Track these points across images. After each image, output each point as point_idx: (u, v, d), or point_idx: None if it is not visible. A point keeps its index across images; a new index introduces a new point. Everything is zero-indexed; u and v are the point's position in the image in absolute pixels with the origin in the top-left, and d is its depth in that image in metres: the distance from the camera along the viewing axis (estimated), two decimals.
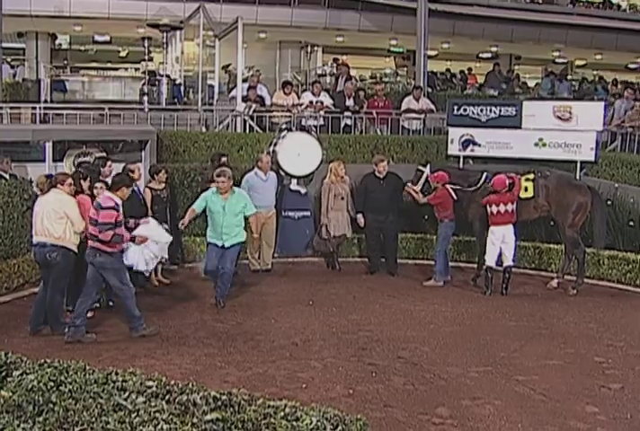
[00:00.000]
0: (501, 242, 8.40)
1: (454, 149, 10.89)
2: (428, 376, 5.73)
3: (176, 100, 15.34)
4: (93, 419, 2.62)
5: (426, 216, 9.95)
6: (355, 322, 7.19)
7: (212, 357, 6.05)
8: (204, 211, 7.77)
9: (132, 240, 6.61)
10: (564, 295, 8.47)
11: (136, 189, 7.86)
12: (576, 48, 22.02)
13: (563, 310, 7.85)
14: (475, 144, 10.72)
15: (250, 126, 12.05)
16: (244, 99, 12.31)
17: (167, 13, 17.14)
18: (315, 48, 21.68)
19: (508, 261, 8.45)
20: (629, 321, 7.49)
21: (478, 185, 8.97)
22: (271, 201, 9.27)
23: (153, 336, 6.57)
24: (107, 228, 6.30)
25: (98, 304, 7.13)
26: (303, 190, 9.96)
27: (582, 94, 17.73)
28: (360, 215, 9.35)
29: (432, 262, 9.11)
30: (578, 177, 10.04)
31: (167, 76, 15.34)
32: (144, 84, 14.55)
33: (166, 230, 7.41)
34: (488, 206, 8.44)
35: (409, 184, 9.12)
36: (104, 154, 9.29)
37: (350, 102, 12.68)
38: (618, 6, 22.84)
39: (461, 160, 10.84)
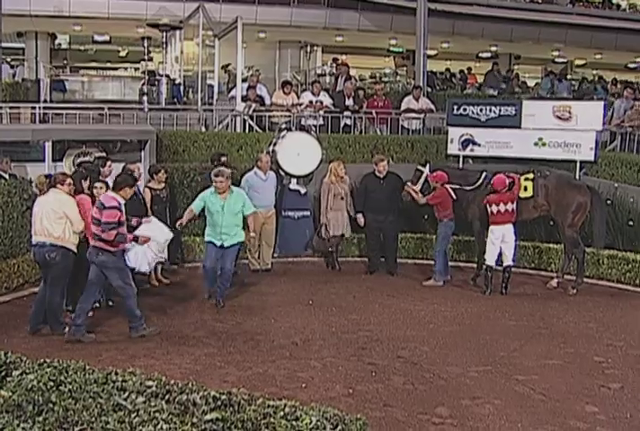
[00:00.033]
0: (501, 242, 8.40)
1: (454, 149, 10.91)
2: (428, 376, 5.73)
3: (176, 99, 15.32)
4: (93, 419, 2.62)
5: (426, 216, 9.96)
6: (355, 322, 7.19)
7: (212, 357, 6.06)
8: (203, 211, 7.76)
9: (135, 240, 6.61)
10: (564, 295, 8.47)
11: (135, 188, 7.85)
12: (576, 48, 22.04)
13: (562, 309, 7.85)
14: (474, 143, 10.73)
15: (249, 125, 12.05)
16: (244, 98, 12.31)
17: (167, 12, 17.15)
18: (315, 48, 21.69)
19: (508, 261, 8.45)
20: (629, 321, 7.50)
21: (477, 184, 8.98)
22: (271, 201, 9.27)
23: (153, 336, 6.58)
24: (110, 227, 6.31)
25: (98, 304, 7.13)
26: (303, 190, 9.97)
27: (581, 94, 17.71)
28: (360, 215, 9.35)
29: (432, 262, 9.11)
30: (578, 177, 10.05)
31: (167, 76, 15.33)
32: (143, 84, 14.55)
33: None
34: (488, 206, 8.44)
35: (408, 184, 9.12)
36: (104, 154, 9.29)
37: (349, 102, 12.68)
38: (618, 6, 22.85)
39: (461, 159, 10.86)
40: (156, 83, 14.78)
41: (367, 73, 22.88)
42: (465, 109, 10.81)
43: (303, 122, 11.70)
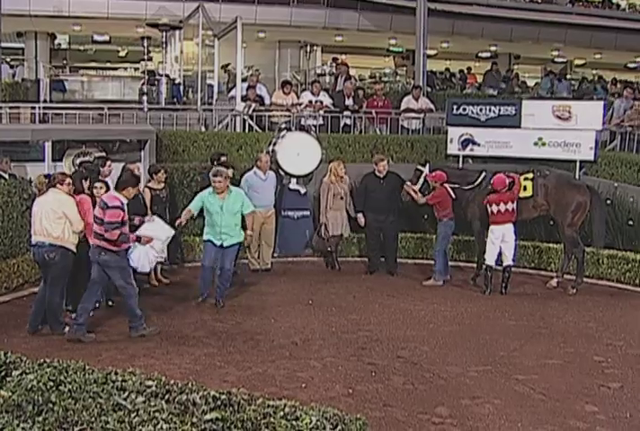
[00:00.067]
0: (501, 242, 8.39)
1: (453, 148, 10.91)
2: (427, 376, 5.73)
3: (175, 99, 15.32)
4: (93, 419, 2.62)
5: (425, 216, 9.96)
6: (355, 322, 7.19)
7: (212, 357, 6.05)
8: (202, 211, 7.74)
9: (138, 240, 6.61)
10: (564, 295, 8.47)
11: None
12: (575, 48, 22.05)
13: (562, 309, 7.85)
14: (474, 143, 10.74)
15: (249, 125, 12.05)
16: (244, 98, 12.31)
17: (166, 12, 17.14)
18: (315, 48, 21.68)
19: (508, 261, 8.45)
20: (628, 321, 7.50)
21: (476, 183, 8.97)
22: (271, 201, 9.26)
23: (152, 336, 6.58)
24: (114, 227, 6.32)
25: (97, 304, 7.12)
26: (302, 190, 9.97)
27: (581, 94, 17.72)
28: (360, 215, 9.35)
29: (432, 262, 9.11)
30: (577, 176, 10.05)
31: (166, 76, 15.32)
32: (143, 84, 14.53)
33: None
34: (488, 206, 8.43)
35: (407, 183, 9.12)
36: (104, 154, 9.29)
37: (349, 102, 12.68)
38: (618, 5, 22.85)
39: (460, 159, 10.86)
40: (156, 82, 14.78)
41: (366, 72, 22.88)
42: (464, 109, 10.81)
43: (303, 122, 11.71)
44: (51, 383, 2.90)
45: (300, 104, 12.34)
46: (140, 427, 2.56)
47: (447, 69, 22.45)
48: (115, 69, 21.43)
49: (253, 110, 12.11)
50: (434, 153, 11.52)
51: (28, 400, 2.73)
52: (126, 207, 6.56)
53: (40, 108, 12.04)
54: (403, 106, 12.86)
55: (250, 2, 18.19)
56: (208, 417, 2.66)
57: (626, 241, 9.31)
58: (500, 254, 8.45)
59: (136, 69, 20.50)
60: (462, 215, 9.04)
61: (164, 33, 15.60)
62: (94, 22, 18.80)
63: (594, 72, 25.01)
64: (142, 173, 8.58)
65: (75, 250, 6.63)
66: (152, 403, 2.78)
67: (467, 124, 10.75)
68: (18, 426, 2.54)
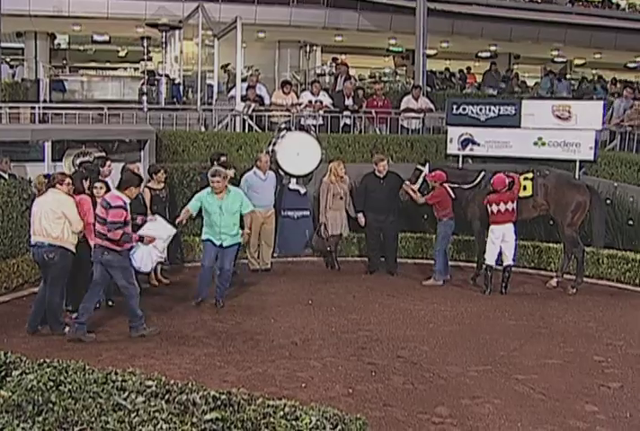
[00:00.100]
0: (501, 241, 8.39)
1: (453, 148, 10.92)
2: (427, 375, 5.73)
3: (175, 99, 15.32)
4: (93, 419, 2.62)
5: (425, 215, 9.96)
6: (354, 322, 7.19)
7: (212, 357, 6.05)
8: (200, 211, 7.72)
9: (140, 240, 6.61)
10: (564, 294, 8.47)
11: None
12: (575, 47, 22.05)
13: (562, 309, 7.85)
14: (474, 143, 10.75)
15: (249, 125, 12.05)
16: (244, 98, 12.31)
17: (166, 12, 17.14)
18: (314, 48, 21.68)
19: (508, 260, 8.45)
20: (628, 320, 7.50)
21: (475, 183, 8.97)
22: (270, 201, 9.26)
23: (153, 336, 6.58)
24: (116, 227, 6.33)
25: (98, 304, 7.12)
26: (302, 190, 9.97)
27: (581, 93, 17.73)
28: (360, 215, 9.35)
29: (432, 261, 9.11)
30: (577, 176, 10.06)
31: (166, 76, 15.33)
32: (143, 84, 14.54)
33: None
34: (488, 206, 8.43)
35: (406, 183, 9.11)
36: (103, 154, 9.29)
37: (349, 102, 12.68)
38: (617, 5, 22.85)
39: (460, 159, 10.87)
40: (156, 82, 14.78)
41: (366, 72, 22.87)
42: (464, 109, 10.81)
43: (302, 122, 11.69)
44: (51, 383, 2.90)
45: (300, 104, 12.34)
46: (140, 427, 2.56)
47: (446, 69, 22.46)
48: (115, 69, 21.43)
49: (253, 110, 12.11)
50: (434, 152, 11.53)
51: (28, 400, 2.73)
52: (129, 207, 6.56)
53: (39, 108, 12.04)
54: (402, 106, 12.86)
55: (250, 2, 18.19)
56: (208, 417, 2.65)
57: (625, 241, 9.31)
58: (500, 254, 8.45)
59: (135, 69, 20.50)
60: (462, 214, 9.04)
61: (164, 33, 15.59)
62: (94, 22, 18.80)
63: (594, 72, 25.02)
64: (142, 173, 8.56)
65: (74, 251, 6.63)
66: (152, 403, 2.77)
67: (467, 124, 10.75)
68: (18, 426, 2.54)
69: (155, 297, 7.85)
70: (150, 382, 2.99)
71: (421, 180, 9.09)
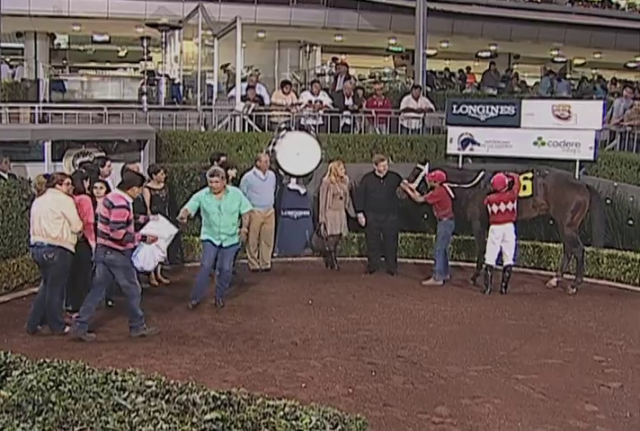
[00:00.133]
0: (501, 241, 8.39)
1: (453, 148, 10.92)
2: (427, 375, 5.73)
3: (175, 99, 15.32)
4: (93, 419, 2.62)
5: (425, 215, 9.96)
6: (354, 321, 7.19)
7: (212, 357, 6.05)
8: (198, 211, 7.71)
9: (143, 239, 6.61)
10: (564, 294, 8.47)
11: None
12: (575, 47, 22.04)
13: (562, 309, 7.85)
14: (474, 143, 10.75)
15: (249, 125, 12.05)
16: (243, 98, 12.31)
17: (166, 12, 17.14)
18: (314, 48, 21.68)
19: (508, 260, 8.45)
20: (628, 320, 7.50)
21: (474, 182, 8.96)
22: (270, 201, 9.26)
23: (153, 336, 6.58)
24: (119, 227, 6.33)
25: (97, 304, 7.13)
26: (302, 190, 9.97)
27: (581, 93, 17.74)
28: (361, 215, 9.35)
29: (432, 261, 9.11)
30: (577, 176, 10.06)
31: (166, 76, 15.33)
32: (143, 84, 14.54)
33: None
34: (488, 206, 8.43)
35: (404, 181, 9.11)
36: (103, 154, 9.30)
37: (349, 102, 12.68)
38: (617, 5, 22.85)
39: (460, 159, 10.87)
40: (156, 82, 14.78)
41: (366, 72, 22.87)
42: (464, 109, 10.82)
43: (302, 122, 11.69)
44: (51, 383, 2.90)
45: (300, 104, 12.34)
46: (140, 427, 2.56)
47: (446, 69, 22.45)
48: (115, 69, 21.43)
49: (253, 110, 12.11)
50: (434, 152, 11.53)
51: (28, 400, 2.73)
52: (131, 207, 6.57)
53: (39, 108, 12.04)
54: (402, 106, 12.86)
55: (249, 2, 18.19)
56: (208, 417, 2.65)
57: (625, 241, 9.31)
58: (500, 254, 8.45)
59: (135, 69, 20.50)
60: (462, 214, 9.04)
61: (164, 33, 15.60)
62: (94, 22, 18.79)
63: (594, 71, 25.01)
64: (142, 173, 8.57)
65: (73, 251, 6.62)
66: (152, 403, 2.77)
67: (467, 123, 10.76)
68: (18, 426, 2.54)
69: (155, 297, 7.84)
70: (150, 382, 2.99)
71: (419, 179, 9.08)
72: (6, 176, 8.79)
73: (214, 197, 7.54)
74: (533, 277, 9.25)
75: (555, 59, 24.33)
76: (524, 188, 8.72)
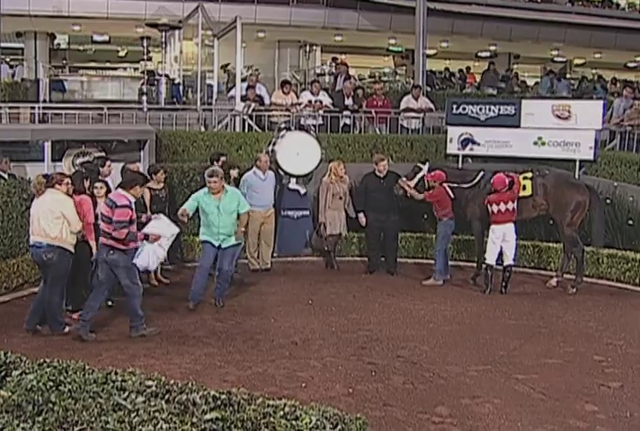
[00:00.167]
0: (501, 241, 8.39)
1: (453, 148, 10.92)
2: (427, 375, 5.73)
3: (175, 99, 15.32)
4: (93, 419, 2.62)
5: (425, 215, 9.96)
6: (354, 321, 7.19)
7: (212, 357, 6.05)
8: (197, 211, 7.70)
9: (146, 238, 6.61)
10: (564, 294, 8.47)
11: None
12: (575, 47, 22.05)
13: (562, 308, 7.85)
14: (474, 143, 10.75)
15: (249, 125, 12.05)
16: (243, 98, 12.31)
17: (166, 12, 17.15)
18: (314, 48, 21.69)
19: (509, 260, 8.45)
20: (628, 320, 7.50)
21: (474, 182, 8.96)
22: (270, 200, 9.26)
23: (153, 336, 6.58)
24: (122, 226, 6.34)
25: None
26: (302, 190, 9.97)
27: (581, 93, 17.75)
28: (361, 215, 9.36)
29: (432, 261, 9.11)
30: (577, 176, 10.06)
31: (166, 76, 15.33)
32: (143, 84, 14.54)
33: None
34: (489, 206, 8.43)
35: (403, 179, 9.10)
36: (103, 154, 9.30)
37: (349, 102, 12.68)
38: (617, 5, 22.86)
39: (460, 159, 10.87)
40: (156, 82, 14.78)
41: (366, 72, 22.87)
42: (464, 109, 10.82)
43: (302, 122, 11.69)
44: (51, 383, 2.90)
45: (300, 104, 12.34)
46: (140, 427, 2.56)
47: (446, 69, 22.46)
48: (115, 69, 21.43)
49: (253, 110, 12.12)
50: (434, 152, 11.53)
51: (28, 400, 2.73)
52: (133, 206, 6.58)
53: (39, 108, 12.04)
54: (402, 105, 12.87)
55: (249, 2, 18.20)
56: (208, 416, 2.65)
57: (625, 241, 9.31)
58: (500, 254, 8.45)
59: (135, 69, 20.50)
60: (462, 214, 9.03)
61: (164, 33, 15.60)
62: (94, 22, 18.80)
63: (594, 71, 25.02)
64: None
65: (72, 251, 6.62)
66: (152, 403, 2.77)
67: (467, 123, 10.76)
68: (18, 426, 2.54)
69: (155, 297, 7.84)
70: (150, 382, 2.99)
71: (418, 177, 9.07)
72: (6, 176, 8.79)
73: (212, 197, 7.53)
74: (533, 276, 9.25)
75: (555, 59, 24.34)
76: (524, 187, 8.72)
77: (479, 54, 23.43)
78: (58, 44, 22.60)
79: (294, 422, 2.66)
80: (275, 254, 9.65)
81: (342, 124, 12.38)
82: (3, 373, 3.08)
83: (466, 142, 10.79)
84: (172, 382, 3.04)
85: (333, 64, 18.47)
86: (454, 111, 10.90)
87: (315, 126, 11.74)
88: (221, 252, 7.62)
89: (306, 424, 2.65)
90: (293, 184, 9.95)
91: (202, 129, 12.37)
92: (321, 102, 12.37)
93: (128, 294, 6.60)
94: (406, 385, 5.51)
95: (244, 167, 9.55)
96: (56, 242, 6.49)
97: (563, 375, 5.80)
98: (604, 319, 7.50)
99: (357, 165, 10.42)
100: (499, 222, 8.39)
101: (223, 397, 2.85)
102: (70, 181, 6.72)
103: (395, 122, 12.67)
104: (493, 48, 22.58)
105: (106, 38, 22.13)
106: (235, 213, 7.64)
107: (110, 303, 7.40)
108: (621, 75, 22.27)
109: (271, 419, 2.68)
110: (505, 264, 8.44)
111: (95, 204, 7.11)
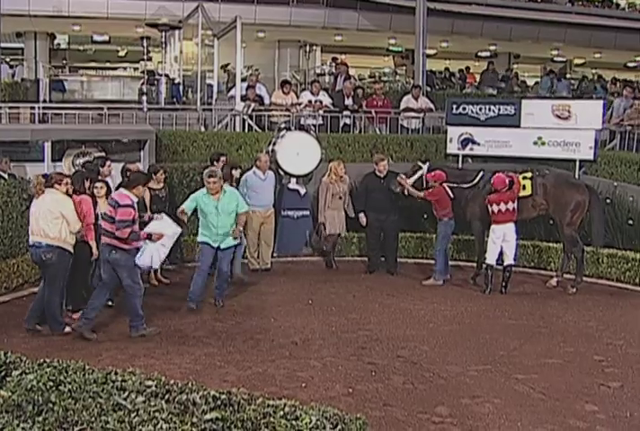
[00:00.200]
0: (502, 241, 8.39)
1: (453, 148, 10.92)
2: (427, 375, 5.73)
3: (175, 99, 15.32)
4: (93, 419, 2.62)
5: (425, 215, 9.96)
6: (354, 321, 7.19)
7: (212, 357, 6.05)
8: (195, 211, 7.69)
9: (149, 237, 6.61)
10: (564, 294, 8.47)
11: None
12: (575, 47, 22.05)
13: (562, 308, 7.85)
14: (474, 142, 10.75)
15: (249, 125, 12.05)
16: (243, 98, 12.31)
17: (166, 12, 17.15)
18: (314, 48, 21.69)
19: (509, 260, 8.45)
20: (628, 320, 7.50)
21: (474, 182, 8.96)
22: (270, 200, 9.27)
23: (153, 336, 6.58)
24: (125, 225, 6.35)
25: None
26: (302, 190, 9.96)
27: (581, 93, 17.75)
28: (362, 215, 9.36)
29: (432, 261, 9.11)
30: (577, 175, 10.06)
31: (166, 76, 15.33)
32: (143, 84, 14.54)
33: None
34: (489, 206, 8.43)
35: (402, 176, 9.09)
36: (103, 154, 9.29)
37: (348, 101, 12.69)
38: (617, 5, 22.87)
39: (460, 159, 10.87)
40: (156, 82, 14.78)
41: (366, 72, 22.86)
42: (464, 109, 10.82)
43: (302, 122, 11.70)
44: (51, 383, 2.90)
45: (300, 104, 12.34)
46: (140, 427, 2.56)
47: (446, 69, 22.45)
48: (115, 69, 21.43)
49: (253, 110, 12.12)
50: (434, 152, 11.53)
51: (28, 400, 2.73)
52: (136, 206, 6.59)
53: (39, 108, 12.05)
54: (402, 105, 12.87)
55: (249, 1, 18.20)
56: (208, 416, 2.65)
57: (625, 241, 9.31)
58: (501, 254, 8.45)
59: (135, 69, 20.50)
60: (462, 214, 9.03)
61: (164, 33, 15.60)
62: (94, 22, 18.80)
63: (594, 71, 25.01)
64: None
65: (72, 251, 6.62)
66: (152, 403, 2.77)
67: (467, 123, 10.76)
68: (18, 426, 2.54)
69: (155, 297, 7.83)
70: (150, 382, 2.99)
71: (417, 176, 9.06)
72: (6, 176, 8.79)
73: (211, 197, 7.51)
74: (533, 276, 9.25)
75: (555, 59, 24.34)
76: (524, 187, 8.71)
77: (479, 54, 23.43)
78: (58, 44, 22.60)
79: (294, 422, 2.66)
80: (275, 254, 9.66)
81: (342, 124, 12.38)
82: (3, 373, 3.09)
83: (466, 142, 10.79)
84: (172, 382, 3.04)
85: (333, 64, 18.47)
86: (454, 111, 10.90)
87: (315, 126, 11.74)
88: (220, 253, 7.61)
89: (306, 424, 2.65)
90: (293, 184, 9.95)
91: (202, 129, 12.37)
92: (321, 102, 12.37)
93: (130, 294, 6.60)
94: (406, 385, 5.50)
95: (244, 167, 9.55)
96: (55, 242, 6.48)
97: (563, 375, 5.80)
98: (604, 319, 7.50)
99: (357, 165, 10.42)
100: (499, 222, 8.39)
101: (223, 397, 2.85)
102: (69, 181, 6.72)
103: (395, 122, 12.67)
104: (492, 48, 22.59)
105: (106, 38, 22.13)
106: (234, 213, 7.62)
107: (110, 303, 7.40)
108: (621, 75, 22.26)
109: (271, 419, 2.68)
110: (505, 264, 8.44)
111: (95, 204, 7.11)
